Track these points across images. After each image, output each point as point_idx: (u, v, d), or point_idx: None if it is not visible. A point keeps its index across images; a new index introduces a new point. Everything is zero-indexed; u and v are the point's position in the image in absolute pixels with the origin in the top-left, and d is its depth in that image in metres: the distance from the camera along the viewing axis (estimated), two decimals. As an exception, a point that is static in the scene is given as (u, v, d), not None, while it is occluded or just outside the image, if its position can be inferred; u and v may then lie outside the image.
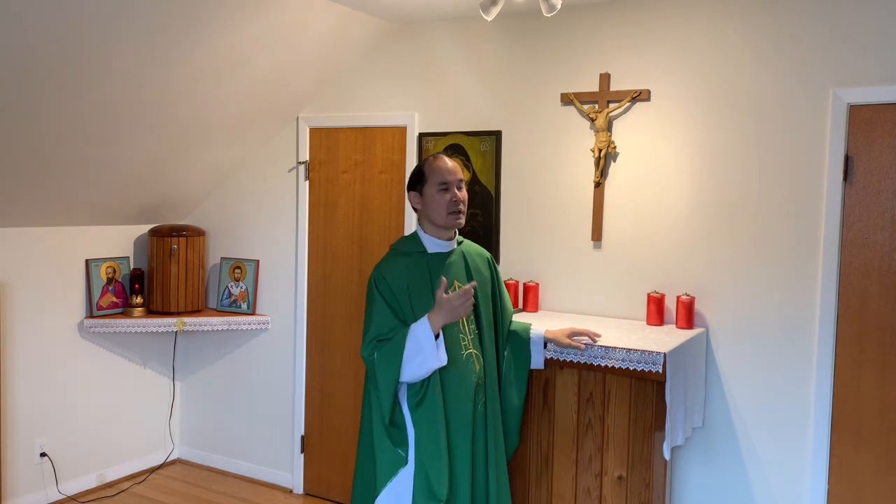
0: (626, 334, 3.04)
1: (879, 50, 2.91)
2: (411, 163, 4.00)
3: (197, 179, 4.49)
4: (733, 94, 3.20)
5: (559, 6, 2.74)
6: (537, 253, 3.68)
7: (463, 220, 2.65)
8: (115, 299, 4.44)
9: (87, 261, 4.30)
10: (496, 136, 3.75)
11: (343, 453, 4.31)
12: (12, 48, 2.87)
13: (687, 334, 3.10)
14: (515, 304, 3.59)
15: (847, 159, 2.99)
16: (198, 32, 3.29)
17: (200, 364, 4.84)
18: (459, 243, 2.78)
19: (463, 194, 2.65)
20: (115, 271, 4.44)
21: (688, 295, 3.24)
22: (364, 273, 4.20)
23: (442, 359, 2.50)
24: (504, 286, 2.94)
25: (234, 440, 4.73)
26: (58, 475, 4.22)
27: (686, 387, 2.96)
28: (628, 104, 3.41)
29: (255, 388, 4.63)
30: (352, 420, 4.25)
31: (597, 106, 3.47)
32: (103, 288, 4.37)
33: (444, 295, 2.49)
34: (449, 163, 2.65)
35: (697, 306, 3.28)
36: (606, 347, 2.81)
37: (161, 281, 4.42)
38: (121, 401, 4.56)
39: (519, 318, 3.07)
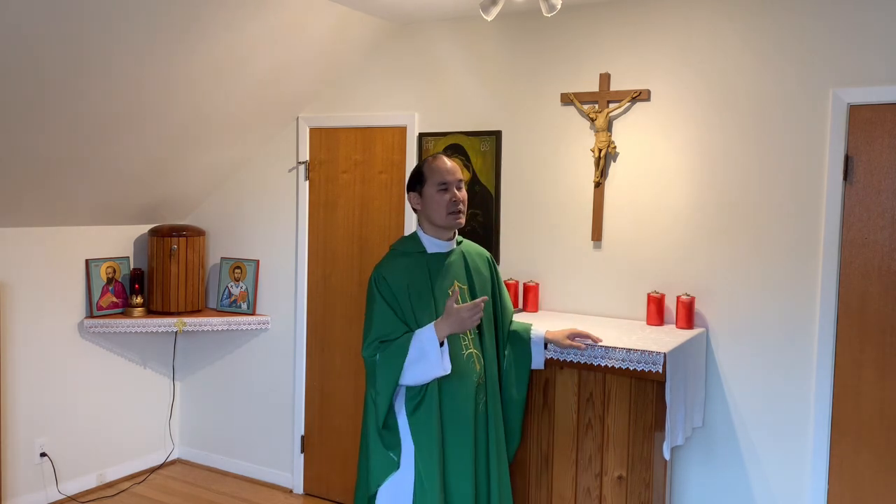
0: (626, 334, 3.04)
1: (879, 50, 2.91)
2: (411, 163, 4.00)
3: (197, 179, 4.49)
4: (733, 94, 3.20)
5: (559, 6, 2.74)
6: (537, 253, 3.68)
7: (463, 221, 2.65)
8: (115, 299, 4.44)
9: (87, 261, 4.30)
10: (496, 136, 3.75)
11: (343, 453, 4.31)
12: (12, 48, 2.87)
13: (687, 334, 3.10)
14: (515, 304, 3.59)
15: (847, 159, 2.99)
16: (198, 32, 3.29)
17: (200, 364, 4.84)
18: (459, 243, 2.78)
19: (462, 194, 2.64)
20: (115, 271, 4.44)
21: (688, 295, 3.24)
22: (364, 273, 4.20)
23: (446, 367, 2.49)
24: (504, 286, 2.94)
25: (234, 440, 4.73)
26: (58, 475, 4.22)
27: (686, 387, 2.96)
28: (628, 104, 3.41)
29: (255, 388, 4.63)
30: (352, 420, 4.25)
31: (597, 106, 3.47)
32: (103, 288, 4.37)
33: (456, 305, 2.49)
34: (448, 163, 2.65)
35: (697, 306, 3.28)
36: (606, 347, 2.81)
37: (161, 281, 4.42)
38: (121, 401, 4.56)
39: (519, 318, 3.07)
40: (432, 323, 2.50)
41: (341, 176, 4.27)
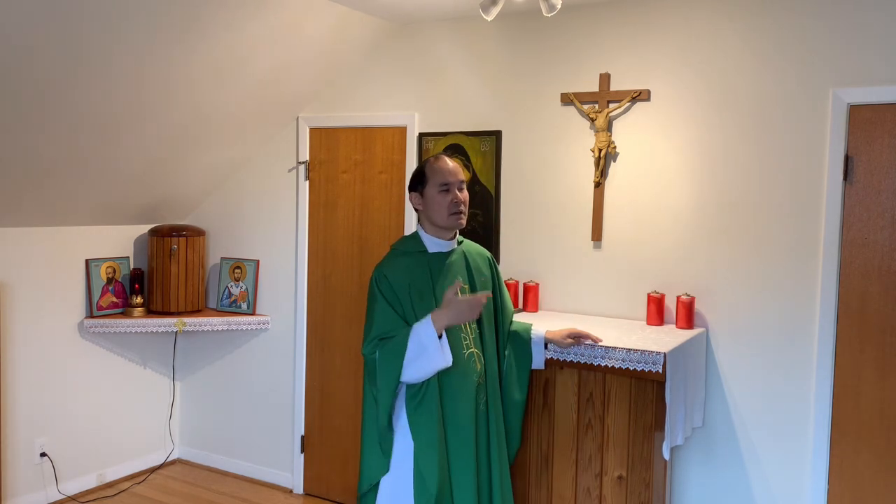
0: (626, 334, 3.04)
1: (879, 50, 2.91)
2: (411, 163, 4.00)
3: (197, 179, 4.49)
4: (733, 94, 3.20)
5: (559, 6, 2.74)
6: (537, 253, 3.68)
7: (464, 221, 2.65)
8: (115, 299, 4.44)
9: (87, 261, 4.30)
10: (496, 136, 3.75)
11: (343, 453, 4.31)
12: (12, 48, 2.87)
13: (687, 334, 3.10)
14: (515, 304, 3.59)
15: (847, 159, 2.99)
16: (198, 32, 3.29)
17: (200, 364, 4.84)
18: (460, 243, 2.78)
19: (464, 195, 2.65)
20: (115, 271, 4.44)
21: (688, 295, 3.25)
22: (364, 273, 4.20)
23: (448, 359, 2.49)
24: (504, 285, 2.94)
25: (234, 440, 4.73)
26: (58, 475, 4.22)
27: (686, 387, 2.96)
28: (628, 104, 3.41)
29: (255, 388, 4.63)
30: (352, 420, 4.25)
31: (597, 106, 3.48)
32: (103, 288, 4.37)
33: (456, 297, 2.49)
34: (450, 164, 2.65)
35: (697, 306, 3.28)
36: (606, 347, 2.81)
37: (161, 281, 4.42)
38: (121, 401, 4.56)
39: (519, 318, 3.07)
40: (429, 315, 2.50)
41: (341, 176, 4.27)
